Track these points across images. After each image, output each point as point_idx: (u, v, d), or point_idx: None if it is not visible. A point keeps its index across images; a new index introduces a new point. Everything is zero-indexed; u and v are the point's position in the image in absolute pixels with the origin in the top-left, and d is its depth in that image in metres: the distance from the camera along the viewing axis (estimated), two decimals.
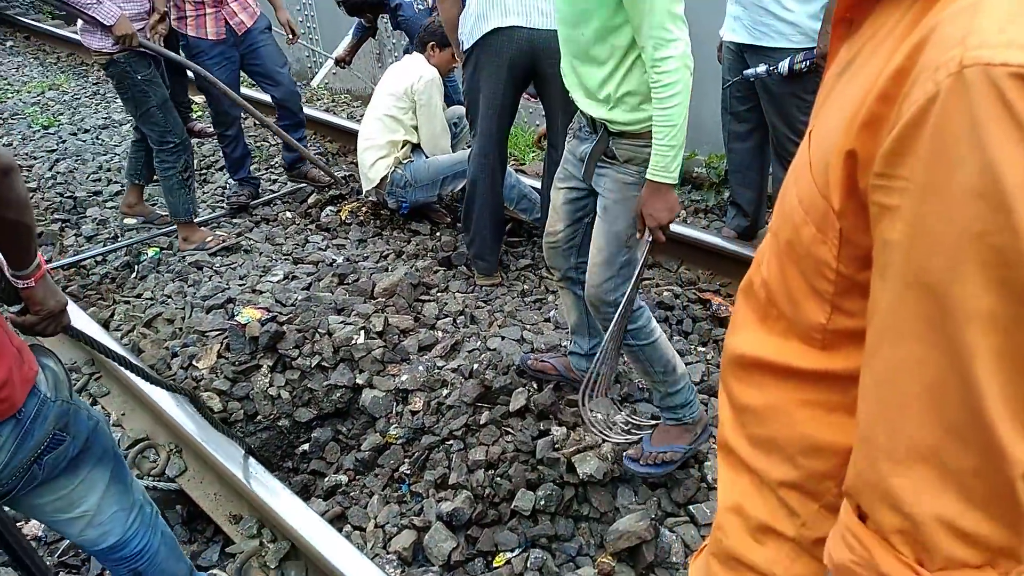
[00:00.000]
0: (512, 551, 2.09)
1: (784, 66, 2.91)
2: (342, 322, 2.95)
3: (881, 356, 0.58)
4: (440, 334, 2.97)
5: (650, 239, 1.95)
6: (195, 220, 3.85)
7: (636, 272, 2.04)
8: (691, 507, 2.21)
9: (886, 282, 0.56)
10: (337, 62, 5.30)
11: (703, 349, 2.92)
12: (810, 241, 0.65)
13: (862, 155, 0.57)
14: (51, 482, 1.42)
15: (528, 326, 3.03)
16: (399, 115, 3.75)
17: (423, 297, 3.25)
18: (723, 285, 3.38)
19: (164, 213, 4.05)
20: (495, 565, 2.08)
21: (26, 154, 5.28)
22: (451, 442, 2.42)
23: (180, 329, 3.15)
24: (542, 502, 2.14)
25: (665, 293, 3.24)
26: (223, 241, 3.79)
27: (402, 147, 3.78)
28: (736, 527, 0.81)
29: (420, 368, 2.74)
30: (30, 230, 1.35)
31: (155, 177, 3.90)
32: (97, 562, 1.61)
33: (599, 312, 2.15)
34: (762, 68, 2.98)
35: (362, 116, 5.62)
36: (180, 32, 3.83)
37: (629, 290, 2.03)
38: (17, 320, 1.44)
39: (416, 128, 3.79)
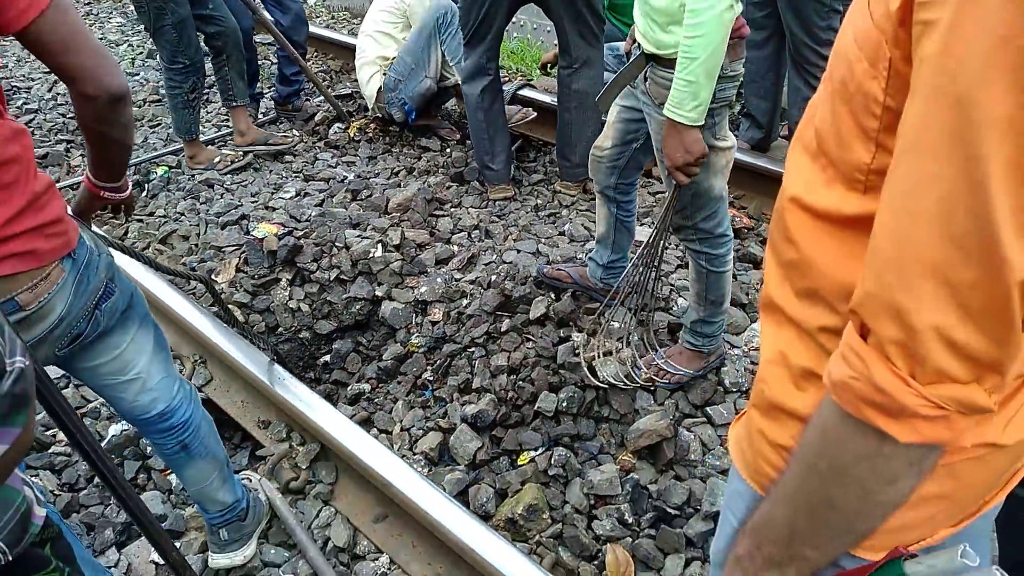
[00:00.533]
0: (536, 450, 2.15)
1: None
2: (359, 236, 2.96)
3: (899, 172, 0.59)
4: (456, 248, 2.99)
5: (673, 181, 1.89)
6: (199, 139, 3.81)
7: (666, 207, 2.01)
8: (708, 408, 2.27)
9: (915, 98, 0.58)
10: None
11: None
12: (862, 76, 0.66)
13: None
14: (107, 337, 1.48)
15: (543, 239, 3.04)
16: (391, 31, 3.73)
17: (437, 212, 3.25)
18: (737, 198, 3.37)
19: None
20: (519, 463, 2.15)
21: (23, 75, 5.18)
22: (473, 349, 2.46)
23: (196, 245, 3.16)
24: (564, 404, 2.19)
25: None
26: (232, 162, 3.75)
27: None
28: (778, 377, 0.84)
29: (438, 280, 2.76)
30: (130, 149, 1.47)
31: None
32: (145, 438, 1.69)
33: (679, 234, 2.12)
34: None
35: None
36: None
37: (657, 225, 2.05)
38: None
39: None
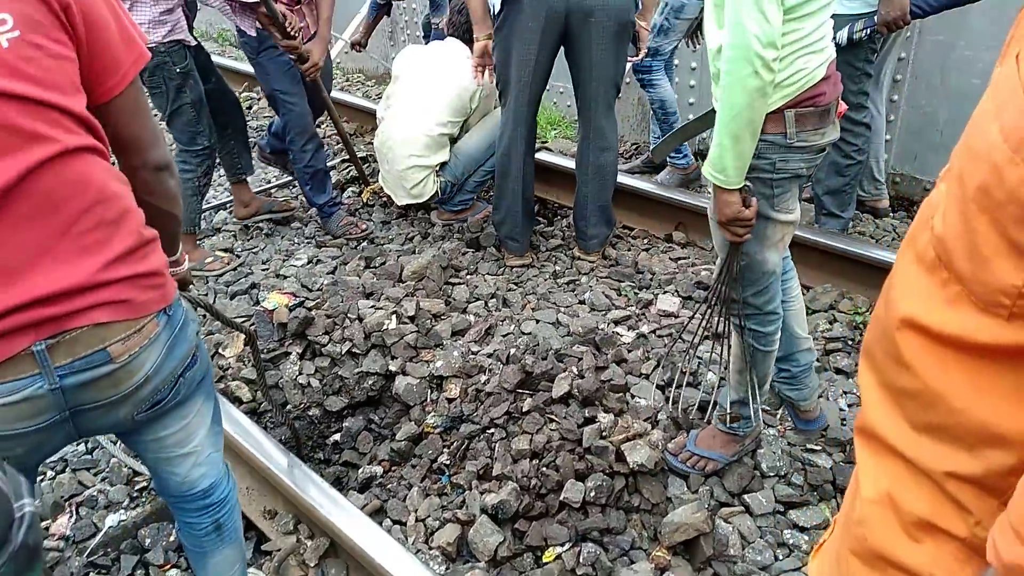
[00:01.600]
0: (563, 545, 1.99)
1: (843, 35, 2.77)
2: (372, 306, 2.86)
3: None
4: (473, 318, 2.87)
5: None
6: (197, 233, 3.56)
7: (717, 275, 1.93)
8: (746, 496, 2.12)
9: None
10: (353, 45, 5.17)
11: None
12: (1018, 184, 0.54)
13: None
14: (180, 407, 1.39)
15: (563, 308, 2.93)
16: (453, 131, 3.49)
17: (453, 280, 3.14)
18: None
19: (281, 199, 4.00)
20: (545, 561, 1.99)
21: None
22: (492, 431, 2.32)
23: (204, 317, 3.05)
24: (592, 493, 2.04)
25: (703, 272, 3.12)
26: (227, 263, 3.46)
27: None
28: (885, 522, 0.71)
29: (455, 353, 2.64)
30: (180, 222, 1.47)
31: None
32: (178, 517, 1.58)
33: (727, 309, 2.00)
34: None
35: (377, 96, 5.52)
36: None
37: (707, 297, 2.00)
38: None
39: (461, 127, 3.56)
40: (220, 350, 2.83)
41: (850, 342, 2.70)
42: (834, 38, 2.77)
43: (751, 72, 1.54)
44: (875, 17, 2.74)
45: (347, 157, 4.37)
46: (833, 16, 2.81)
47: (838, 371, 2.58)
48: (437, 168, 3.49)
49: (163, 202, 1.36)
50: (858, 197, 3.49)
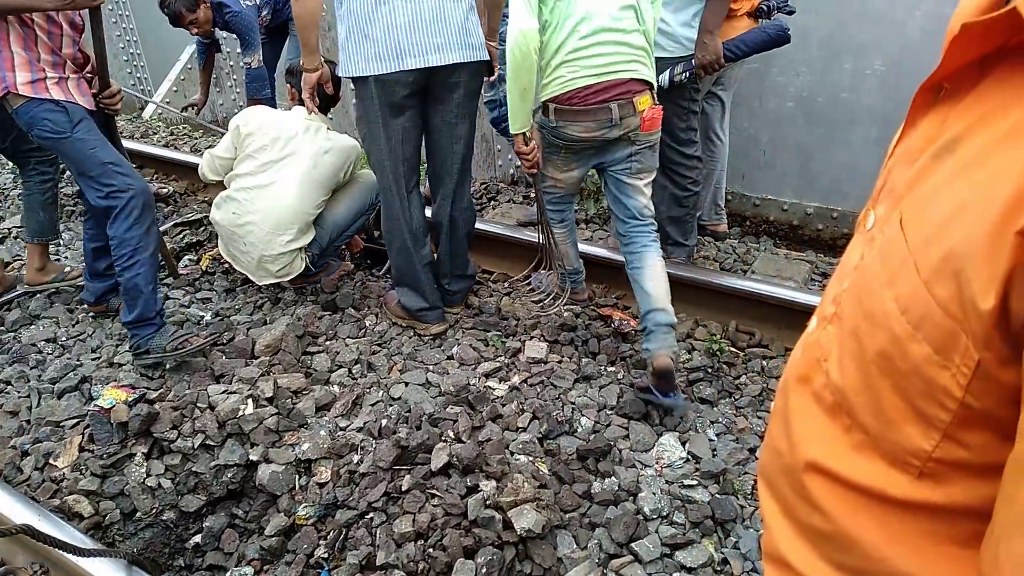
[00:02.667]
0: None
1: (664, 78, 2.88)
2: (224, 391, 2.64)
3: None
4: (337, 389, 2.73)
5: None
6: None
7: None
8: (633, 544, 2.11)
9: None
10: (194, 106, 4.85)
11: (612, 369, 2.85)
12: (922, 361, 0.53)
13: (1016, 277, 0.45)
14: None
15: (431, 366, 2.84)
16: (324, 206, 3.26)
17: (311, 349, 2.98)
18: (618, 298, 3.33)
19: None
20: None
21: None
22: (371, 515, 2.19)
23: (28, 422, 2.71)
24: (484, 569, 1.96)
25: (566, 313, 3.14)
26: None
27: None
28: None
29: (322, 432, 2.49)
30: None
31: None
32: None
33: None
34: None
35: (209, 147, 5.21)
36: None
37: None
38: None
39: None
40: (51, 460, 2.51)
41: (710, 370, 2.80)
42: (656, 81, 2.92)
43: (513, 48, 2.38)
44: (692, 61, 2.88)
45: (178, 221, 4.09)
46: (656, 59, 2.97)
47: (703, 400, 2.66)
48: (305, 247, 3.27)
49: None
50: (699, 222, 3.66)
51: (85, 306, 3.36)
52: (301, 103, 3.22)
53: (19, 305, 3.49)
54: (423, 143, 2.91)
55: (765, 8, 3.15)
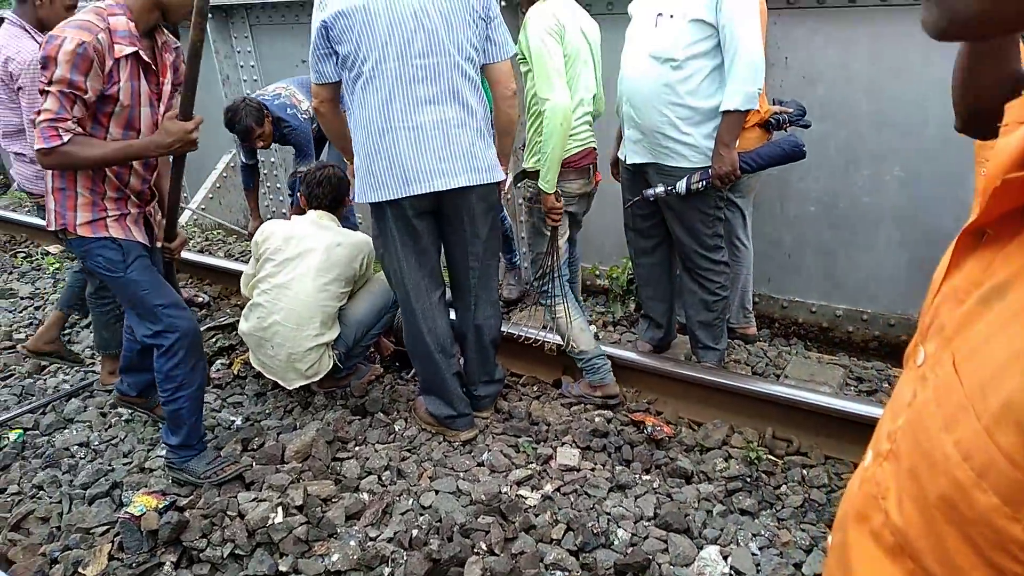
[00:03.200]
0: None
1: (681, 186, 2.96)
2: (254, 499, 2.62)
3: None
4: (367, 496, 2.69)
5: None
6: None
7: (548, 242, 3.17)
8: None
9: None
10: (251, 236, 5.00)
11: (648, 477, 2.79)
12: (990, 511, 0.52)
13: None
14: None
15: (461, 473, 2.81)
16: (344, 301, 3.32)
17: (341, 454, 2.96)
18: (650, 402, 3.30)
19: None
20: None
21: None
22: None
23: (59, 528, 2.70)
24: None
25: (597, 418, 3.11)
26: None
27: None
28: None
29: (352, 543, 2.44)
30: None
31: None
32: None
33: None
34: (660, 189, 3.03)
35: (241, 255, 5.36)
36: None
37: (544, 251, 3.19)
38: None
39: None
40: (80, 568, 2.48)
41: (749, 479, 2.73)
42: (672, 188, 3.00)
43: (562, 123, 2.82)
44: (709, 170, 2.96)
45: (211, 325, 4.15)
46: (678, 168, 3.06)
47: (743, 511, 2.59)
48: (332, 343, 3.31)
49: None
50: (728, 325, 3.66)
51: (119, 410, 3.39)
52: (301, 212, 3.42)
53: (54, 409, 3.52)
54: (441, 257, 3.00)
55: (774, 121, 3.25)
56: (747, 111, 2.85)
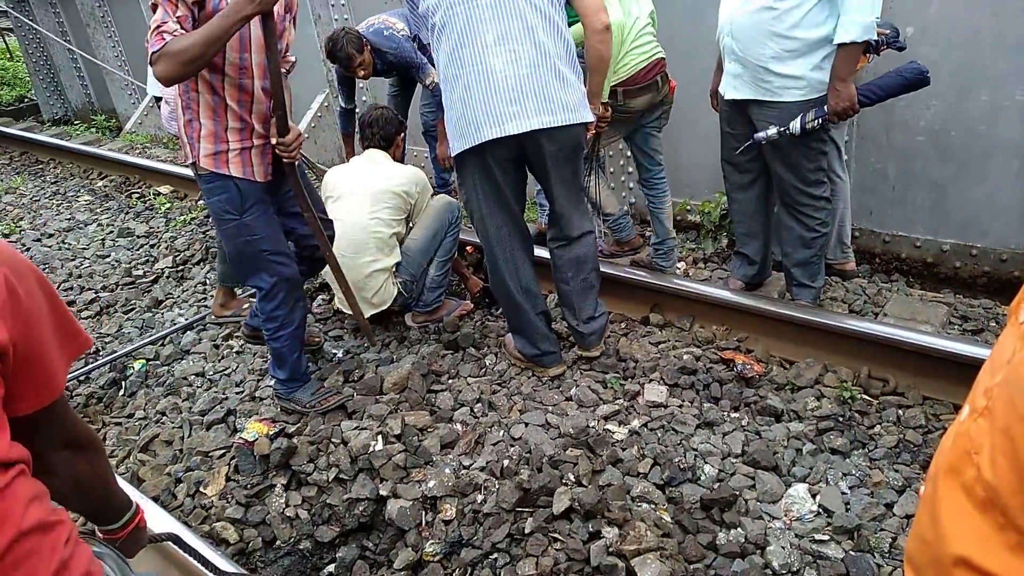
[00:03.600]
0: None
1: (796, 126, 2.84)
2: (356, 427, 2.78)
3: None
4: (460, 427, 2.81)
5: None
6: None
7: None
8: None
9: None
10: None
11: (736, 415, 2.79)
12: None
13: None
14: None
15: (550, 408, 2.88)
16: (400, 229, 3.47)
17: (435, 387, 3.09)
18: (740, 341, 3.27)
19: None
20: None
21: None
22: (495, 555, 2.24)
23: (181, 451, 2.95)
24: None
25: (685, 356, 3.11)
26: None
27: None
28: None
29: (446, 471, 2.57)
30: (108, 493, 1.33)
31: None
32: None
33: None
34: (773, 131, 2.91)
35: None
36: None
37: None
38: None
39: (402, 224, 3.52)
40: (201, 488, 2.72)
41: (841, 419, 2.70)
42: (787, 128, 2.86)
43: (610, 41, 2.82)
44: (825, 107, 2.82)
45: None
46: (784, 103, 2.92)
47: (834, 451, 2.56)
48: (393, 269, 3.46)
49: (86, 489, 1.26)
50: (826, 261, 3.55)
51: (230, 342, 3.63)
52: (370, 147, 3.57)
53: (171, 341, 3.80)
54: (526, 203, 3.05)
55: (874, 43, 3.05)
56: (864, 42, 2.69)
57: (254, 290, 2.94)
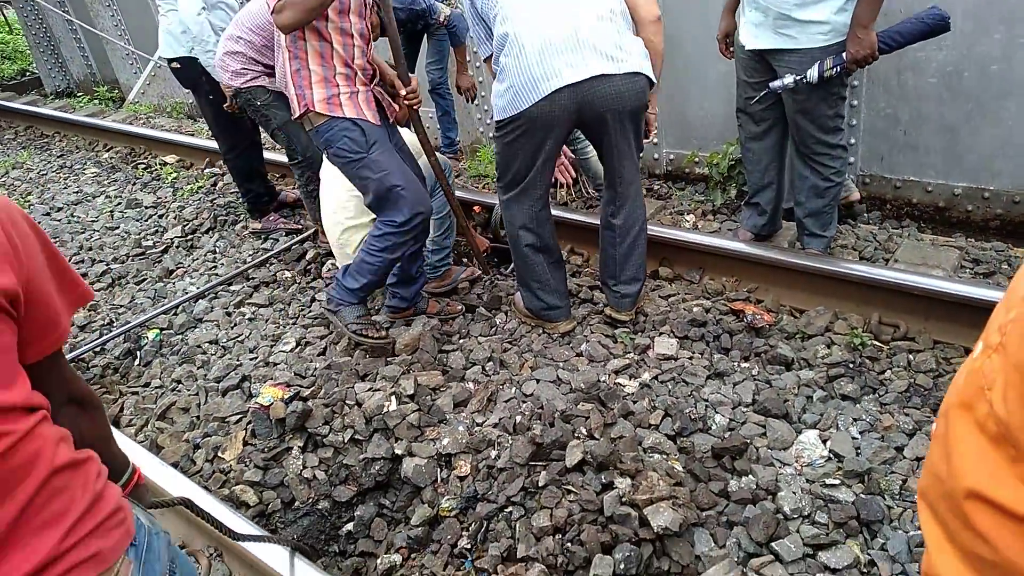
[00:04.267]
0: None
1: (813, 74, 2.79)
2: (369, 389, 2.81)
3: None
4: (472, 386, 2.84)
5: None
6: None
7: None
8: (773, 544, 2.09)
9: None
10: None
11: (747, 365, 2.80)
12: None
13: None
14: None
15: (561, 364, 2.90)
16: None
17: (446, 347, 3.10)
18: (750, 292, 3.26)
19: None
20: None
21: None
22: (510, 509, 2.28)
23: (198, 418, 2.99)
24: (622, 565, 2.00)
25: (695, 308, 3.11)
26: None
27: None
28: None
29: (460, 428, 2.60)
30: (110, 453, 1.34)
31: None
32: None
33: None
34: (789, 79, 2.86)
35: None
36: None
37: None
38: None
39: None
40: (219, 453, 2.76)
41: (851, 365, 2.70)
42: (804, 77, 2.81)
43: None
44: (844, 55, 2.76)
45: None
46: (805, 50, 2.85)
47: (844, 397, 2.57)
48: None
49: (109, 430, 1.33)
50: None
51: (243, 309, 3.65)
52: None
53: (184, 310, 3.83)
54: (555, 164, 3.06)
55: None
56: None
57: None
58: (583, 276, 3.60)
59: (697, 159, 4.47)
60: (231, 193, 5.25)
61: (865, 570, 2.03)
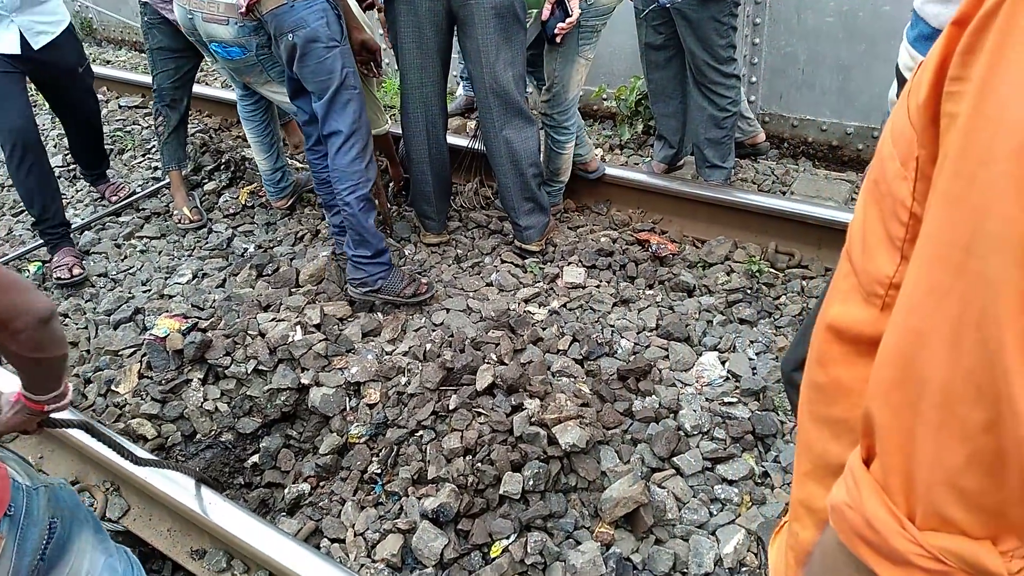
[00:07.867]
0: (508, 538, 2.00)
1: None
2: (273, 319, 2.73)
3: (909, 284, 0.51)
4: (381, 316, 2.80)
5: None
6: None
7: None
8: (675, 459, 2.18)
9: (932, 202, 0.49)
10: None
11: (651, 292, 2.87)
12: (893, 177, 0.57)
13: (948, 62, 0.50)
14: (56, 567, 1.29)
15: (471, 293, 2.90)
16: None
17: None
18: (655, 222, 3.33)
19: None
20: (493, 556, 1.98)
21: None
22: (421, 433, 2.28)
23: (88, 352, 2.83)
24: (530, 482, 2.05)
25: (602, 239, 3.16)
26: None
27: None
28: (808, 523, 0.74)
29: (369, 357, 2.57)
30: (66, 357, 1.36)
31: None
32: None
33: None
34: None
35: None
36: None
37: None
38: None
39: None
40: (113, 386, 2.63)
41: (749, 291, 2.81)
42: None
43: None
44: None
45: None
46: None
47: (742, 321, 2.68)
48: None
49: (55, 349, 1.28)
50: (737, 141, 3.61)
51: (132, 241, 3.46)
52: None
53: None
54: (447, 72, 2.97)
55: None
56: None
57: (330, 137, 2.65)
58: (492, 208, 3.58)
59: (605, 95, 4.48)
60: (117, 120, 4.91)
61: (759, 480, 2.16)
